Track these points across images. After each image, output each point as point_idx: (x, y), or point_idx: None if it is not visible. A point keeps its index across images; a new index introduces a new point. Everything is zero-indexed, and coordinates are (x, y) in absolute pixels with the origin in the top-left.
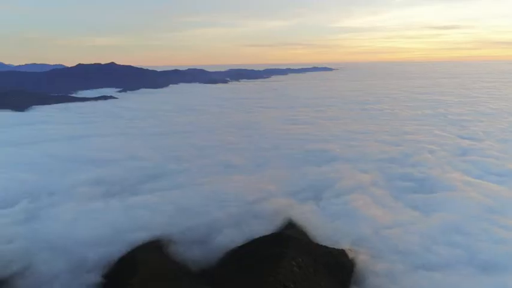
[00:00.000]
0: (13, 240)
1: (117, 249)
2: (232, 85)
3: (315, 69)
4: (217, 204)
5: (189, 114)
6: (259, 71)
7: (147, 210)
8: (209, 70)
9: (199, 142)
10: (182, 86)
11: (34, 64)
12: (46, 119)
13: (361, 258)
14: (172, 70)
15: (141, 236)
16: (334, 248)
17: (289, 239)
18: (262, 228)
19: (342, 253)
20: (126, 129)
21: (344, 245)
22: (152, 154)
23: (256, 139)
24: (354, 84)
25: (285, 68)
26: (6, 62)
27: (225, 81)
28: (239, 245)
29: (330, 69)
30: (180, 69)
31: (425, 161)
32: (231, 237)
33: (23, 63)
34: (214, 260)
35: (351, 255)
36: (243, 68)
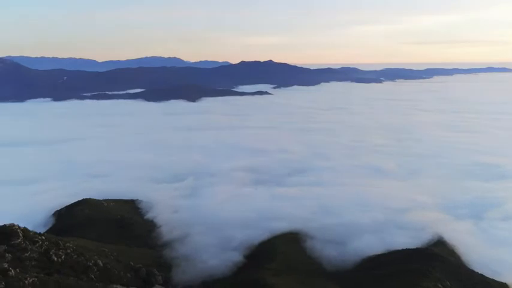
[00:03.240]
0: (178, 211)
1: (259, 234)
2: (387, 85)
3: (490, 69)
4: (360, 207)
5: (338, 112)
6: (418, 71)
7: (290, 202)
8: (363, 69)
9: (347, 142)
10: (333, 85)
11: (206, 61)
12: (212, 110)
13: None
14: (325, 68)
15: (282, 226)
16: (493, 280)
17: (436, 258)
18: (406, 240)
19: (503, 287)
20: (277, 124)
21: (508, 278)
22: (300, 149)
23: (410, 144)
24: None
25: (450, 68)
26: (185, 59)
27: (379, 81)
28: (378, 253)
29: (511, 70)
30: (333, 67)
31: None
32: (371, 244)
33: (198, 60)
34: (350, 263)
35: None
36: (400, 67)
